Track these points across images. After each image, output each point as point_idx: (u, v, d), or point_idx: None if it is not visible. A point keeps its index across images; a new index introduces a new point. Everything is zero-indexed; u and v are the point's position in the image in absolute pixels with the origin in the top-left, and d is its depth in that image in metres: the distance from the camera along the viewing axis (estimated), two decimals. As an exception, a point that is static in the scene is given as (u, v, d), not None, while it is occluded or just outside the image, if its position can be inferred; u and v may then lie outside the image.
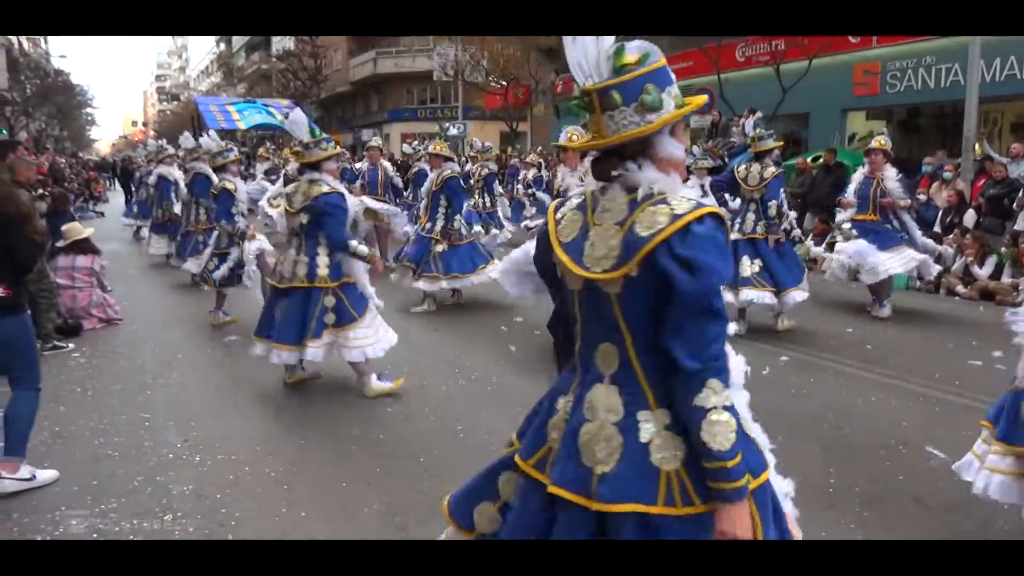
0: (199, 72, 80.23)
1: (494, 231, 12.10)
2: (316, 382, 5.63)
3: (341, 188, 5.14)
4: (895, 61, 16.91)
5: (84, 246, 7.62)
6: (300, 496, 3.82)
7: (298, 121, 5.07)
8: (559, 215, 1.99)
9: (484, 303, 8.63)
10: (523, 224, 12.25)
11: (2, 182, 3.72)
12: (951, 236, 10.57)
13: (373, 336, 5.17)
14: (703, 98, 1.91)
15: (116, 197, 28.28)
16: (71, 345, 6.80)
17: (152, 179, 11.67)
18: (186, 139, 11.96)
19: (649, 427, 1.83)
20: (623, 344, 1.86)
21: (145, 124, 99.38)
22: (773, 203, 7.03)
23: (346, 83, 43.50)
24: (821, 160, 13.46)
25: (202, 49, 78.01)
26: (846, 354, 6.52)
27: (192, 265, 9.60)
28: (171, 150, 11.92)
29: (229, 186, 7.22)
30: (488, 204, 12.17)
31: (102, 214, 21.97)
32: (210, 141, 7.51)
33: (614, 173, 1.86)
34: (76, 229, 7.56)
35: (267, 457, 4.31)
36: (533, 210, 14.15)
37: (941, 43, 15.65)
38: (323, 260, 5.03)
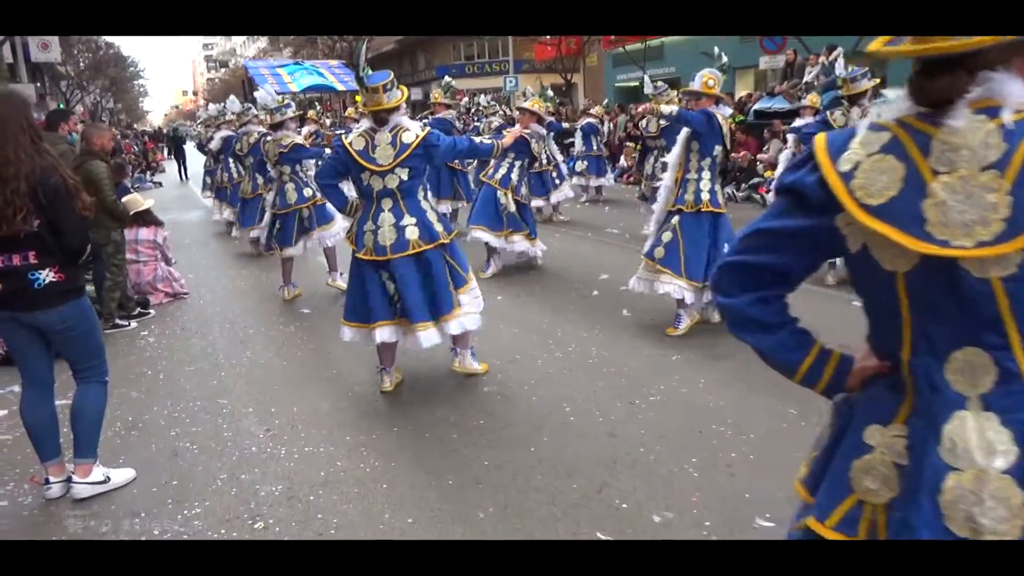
0: (245, 38, 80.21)
1: (554, 196, 11.29)
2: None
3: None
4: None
5: (146, 218, 7.28)
6: (403, 497, 3.35)
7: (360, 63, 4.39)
8: (845, 163, 1.32)
9: (561, 265, 8.07)
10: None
11: (44, 151, 3.25)
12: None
13: (476, 303, 4.58)
14: None
15: (171, 166, 28.40)
16: (133, 324, 6.49)
17: (215, 144, 11.31)
18: (232, 103, 11.57)
19: None
20: (1006, 348, 1.25)
21: (195, 93, 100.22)
22: None
23: (392, 42, 42.80)
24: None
25: (246, 15, 77.72)
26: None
27: (259, 232, 9.29)
28: (230, 114, 11.45)
29: (298, 139, 6.86)
30: (544, 162, 11.08)
31: (160, 184, 21.95)
32: (266, 96, 7.04)
33: (970, 94, 1.22)
34: (136, 201, 7.20)
35: (359, 450, 3.86)
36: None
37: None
38: (433, 216, 4.43)
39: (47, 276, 3.25)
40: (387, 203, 4.34)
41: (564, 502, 3.23)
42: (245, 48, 77.82)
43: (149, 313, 6.85)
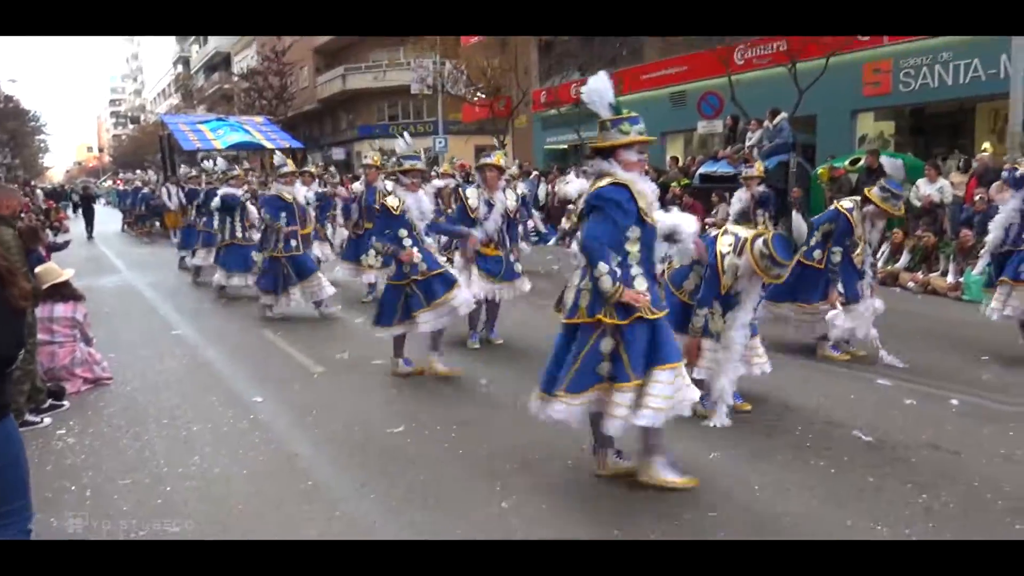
0: (156, 95, 78.01)
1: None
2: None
3: (624, 177, 3.69)
4: (908, 58, 16.11)
5: (64, 291, 6.22)
6: None
7: (600, 90, 3.75)
8: None
9: (537, 339, 7.38)
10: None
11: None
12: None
13: (663, 399, 3.68)
14: None
15: (76, 225, 26.50)
16: (46, 420, 5.41)
17: (216, 202, 10.67)
18: (221, 162, 12.15)
19: None
20: None
21: (101, 150, 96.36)
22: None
23: (314, 101, 42.09)
24: (862, 163, 12.48)
25: (159, 71, 75.95)
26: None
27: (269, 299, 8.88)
28: (237, 170, 11.39)
29: (391, 202, 6.01)
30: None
31: (66, 244, 20.19)
32: (404, 144, 6.19)
33: None
34: (53, 271, 6.16)
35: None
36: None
37: (958, 38, 14.91)
38: None
39: (-44, 394, 2.36)
40: (583, 261, 3.80)
41: None
42: (156, 105, 75.52)
43: (63, 405, 5.74)
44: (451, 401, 5.58)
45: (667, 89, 20.88)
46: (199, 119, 22.93)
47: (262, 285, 8.90)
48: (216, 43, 53.33)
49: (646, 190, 3.74)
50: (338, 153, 40.53)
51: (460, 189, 9.85)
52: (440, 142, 27.83)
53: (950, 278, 9.70)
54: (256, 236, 9.96)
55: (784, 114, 14.36)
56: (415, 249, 5.95)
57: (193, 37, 60.50)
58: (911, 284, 10.00)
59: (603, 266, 3.57)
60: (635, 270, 3.71)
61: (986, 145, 13.32)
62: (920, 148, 15.89)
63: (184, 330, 8.57)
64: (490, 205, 6.82)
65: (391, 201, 6.00)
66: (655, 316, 3.71)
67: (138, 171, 14.45)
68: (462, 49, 26.49)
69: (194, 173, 15.93)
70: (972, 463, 4.14)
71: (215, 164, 12.43)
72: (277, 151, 10.46)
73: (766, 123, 14.53)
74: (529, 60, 25.77)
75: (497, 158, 7.13)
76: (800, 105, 15.07)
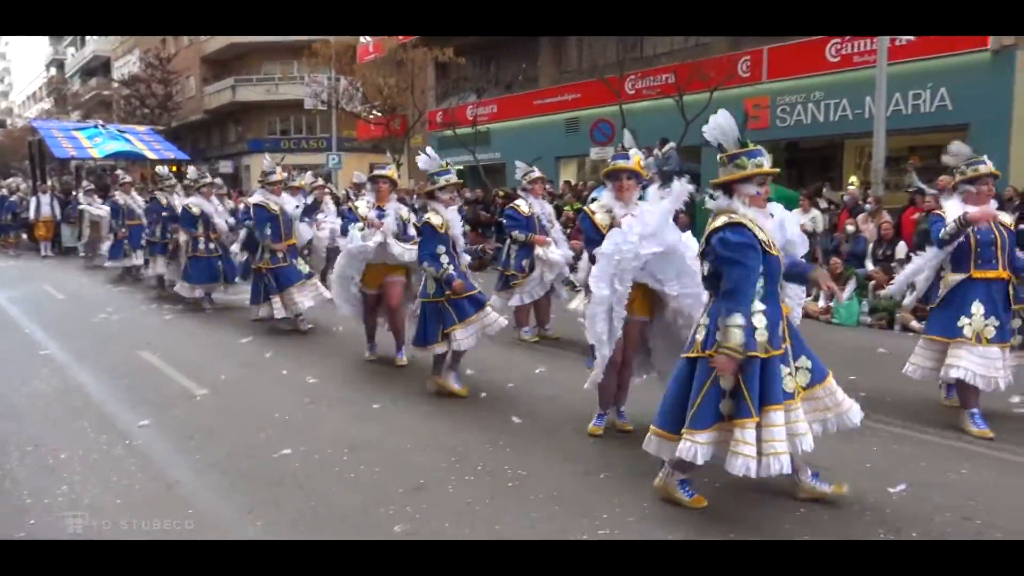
0: (25, 98, 73.17)
1: None
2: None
3: (741, 213, 3.64)
4: (784, 96, 17.16)
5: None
6: None
7: (724, 126, 3.76)
8: None
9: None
10: None
11: None
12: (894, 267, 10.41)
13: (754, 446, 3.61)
14: None
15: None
16: None
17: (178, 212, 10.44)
18: (192, 171, 11.30)
19: None
20: None
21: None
22: None
23: (201, 111, 40.58)
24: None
25: (29, 73, 71.36)
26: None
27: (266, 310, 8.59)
28: (209, 178, 10.72)
29: (434, 220, 5.79)
30: None
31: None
32: (427, 160, 5.90)
33: None
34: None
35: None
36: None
37: (829, 79, 16.04)
38: (728, 322, 3.61)
39: None
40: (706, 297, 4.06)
41: None
42: (25, 108, 70.77)
43: (-89, 431, 5.27)
44: (342, 423, 5.46)
45: (562, 115, 21.38)
46: (74, 125, 21.56)
47: (250, 300, 8.78)
48: (95, 46, 50.62)
49: (765, 224, 3.71)
50: (226, 166, 39.16)
51: (351, 200, 9.73)
52: (334, 159, 27.39)
53: (821, 302, 10.31)
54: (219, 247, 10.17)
55: (672, 144, 14.98)
56: (452, 267, 5.82)
57: (69, 39, 57.25)
58: (787, 308, 10.56)
59: (739, 318, 3.55)
60: (757, 305, 3.66)
61: (853, 179, 14.35)
62: (794, 180, 16.92)
63: (53, 349, 8.02)
64: (381, 212, 6.78)
65: (435, 219, 5.82)
66: (769, 355, 3.64)
67: (8, 180, 13.19)
68: (358, 66, 26.24)
69: (128, 179, 14.74)
70: (842, 477, 4.39)
71: (173, 171, 11.81)
72: (266, 156, 9.93)
73: (656, 151, 15.08)
74: (426, 81, 25.78)
75: (391, 172, 7.18)
76: (686, 135, 15.75)
